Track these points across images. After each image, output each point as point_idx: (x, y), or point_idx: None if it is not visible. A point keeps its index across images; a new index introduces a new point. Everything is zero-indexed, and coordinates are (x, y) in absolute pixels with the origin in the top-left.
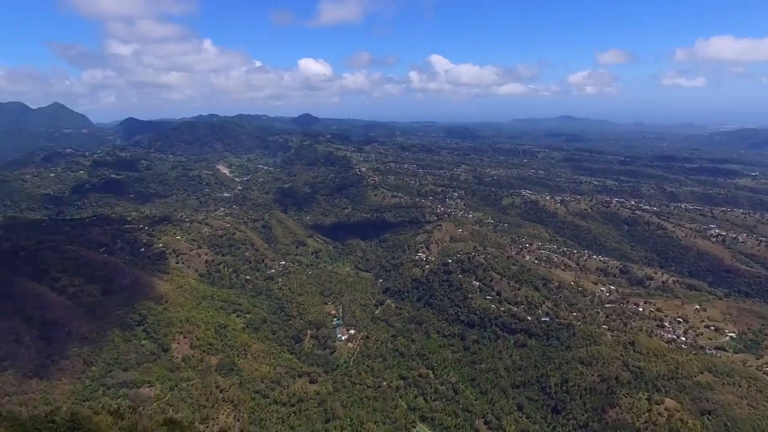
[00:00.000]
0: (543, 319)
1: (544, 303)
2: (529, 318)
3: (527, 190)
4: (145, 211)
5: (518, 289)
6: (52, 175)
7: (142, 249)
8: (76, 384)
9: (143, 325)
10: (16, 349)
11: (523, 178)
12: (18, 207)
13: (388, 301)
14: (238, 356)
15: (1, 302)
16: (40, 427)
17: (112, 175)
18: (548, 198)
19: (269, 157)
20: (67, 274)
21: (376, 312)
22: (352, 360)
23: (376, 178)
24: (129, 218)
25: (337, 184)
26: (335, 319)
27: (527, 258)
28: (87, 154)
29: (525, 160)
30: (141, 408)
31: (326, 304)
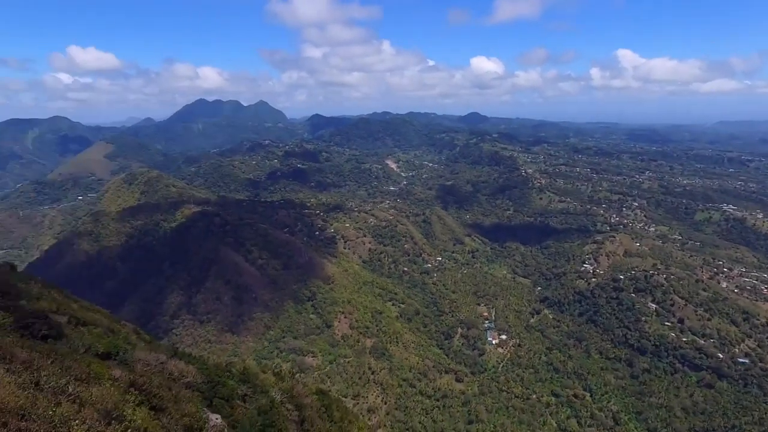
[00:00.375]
0: (741, 360)
1: (743, 341)
2: (720, 355)
3: (730, 205)
4: (322, 199)
5: (708, 320)
6: (253, 162)
7: (317, 232)
8: (257, 343)
9: (312, 300)
10: (217, 306)
11: (725, 190)
12: (228, 188)
13: (546, 311)
14: (390, 343)
15: (209, 266)
16: (219, 374)
17: (298, 165)
18: (760, 216)
19: (434, 154)
20: (258, 248)
21: (532, 321)
22: (501, 366)
23: (543, 181)
24: (308, 204)
25: (500, 185)
26: (487, 321)
27: (724, 285)
28: (280, 145)
29: (730, 170)
30: (299, 374)
31: (479, 305)
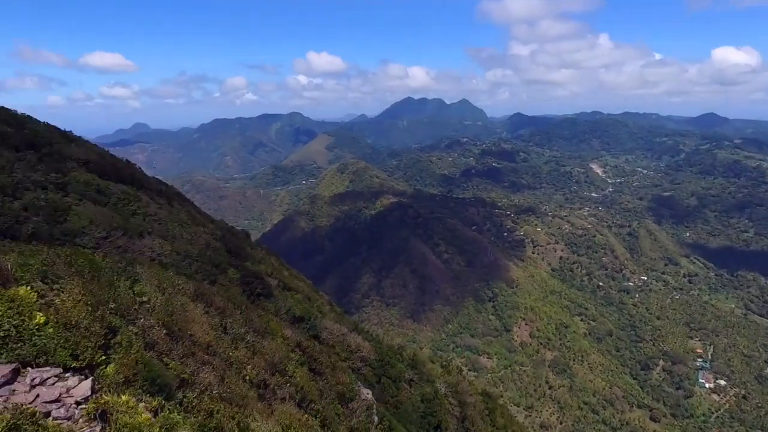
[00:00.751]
0: None
1: None
2: None
3: None
4: (514, 200)
5: None
6: (450, 159)
7: (505, 234)
8: (435, 334)
9: (493, 302)
10: (402, 292)
11: None
12: (423, 182)
13: None
14: (573, 360)
15: (399, 253)
16: (391, 356)
17: (493, 164)
18: None
19: (651, 160)
20: (445, 243)
21: (767, 371)
22: (714, 416)
23: None
24: (499, 204)
25: (737, 201)
26: (700, 359)
27: None
28: (477, 143)
29: None
30: (472, 373)
31: (691, 338)
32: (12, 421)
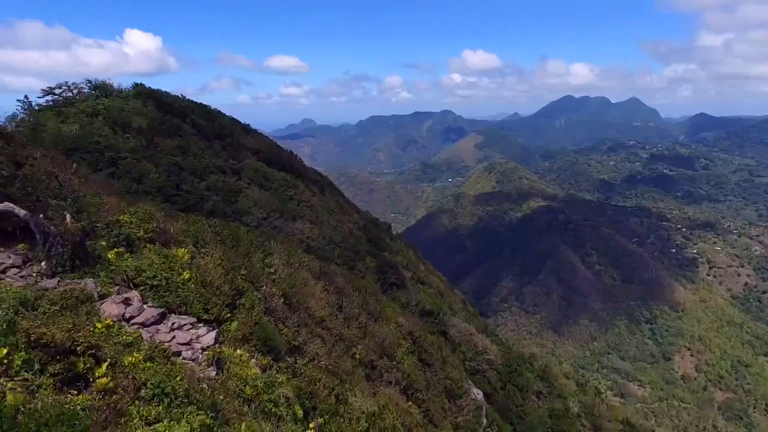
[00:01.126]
0: None
1: None
2: None
3: None
4: (688, 212)
5: None
6: (611, 163)
7: (673, 250)
8: (578, 351)
9: (651, 324)
10: (545, 301)
11: None
12: (578, 187)
13: None
14: (754, 407)
15: (545, 260)
16: (519, 362)
17: (664, 170)
18: None
19: None
20: (597, 253)
21: None
22: None
23: None
24: (668, 216)
25: None
26: None
27: None
28: (647, 147)
29: None
30: (620, 399)
31: None
32: (149, 353)
